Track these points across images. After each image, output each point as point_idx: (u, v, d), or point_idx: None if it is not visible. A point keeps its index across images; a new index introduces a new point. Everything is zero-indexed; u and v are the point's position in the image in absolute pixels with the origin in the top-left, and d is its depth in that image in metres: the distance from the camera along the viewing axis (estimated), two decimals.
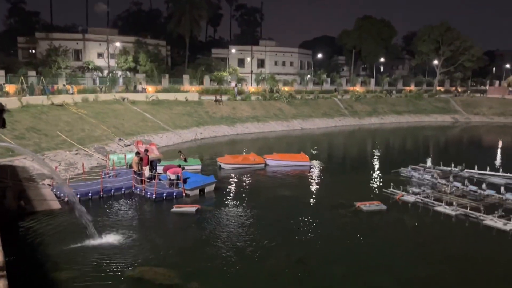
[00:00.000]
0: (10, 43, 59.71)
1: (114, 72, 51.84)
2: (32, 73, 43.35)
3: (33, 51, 55.41)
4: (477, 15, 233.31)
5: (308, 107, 52.22)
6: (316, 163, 27.72)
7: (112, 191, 19.32)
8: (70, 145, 26.63)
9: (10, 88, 36.49)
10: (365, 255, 13.41)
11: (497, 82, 79.62)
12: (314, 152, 32.39)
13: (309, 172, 25.40)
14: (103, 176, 20.40)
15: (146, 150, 21.82)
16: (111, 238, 14.15)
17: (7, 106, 22.02)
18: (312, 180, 23.54)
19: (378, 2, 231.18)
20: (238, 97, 50.01)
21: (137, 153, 21.82)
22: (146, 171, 20.49)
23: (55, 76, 44.26)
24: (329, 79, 69.42)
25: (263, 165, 26.16)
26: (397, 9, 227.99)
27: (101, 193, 18.93)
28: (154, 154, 23.07)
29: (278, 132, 43.46)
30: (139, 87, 47.02)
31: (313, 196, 20.43)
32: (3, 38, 63.18)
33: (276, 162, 26.46)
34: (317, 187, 22.21)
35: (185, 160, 24.52)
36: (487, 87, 75.16)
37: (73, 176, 21.63)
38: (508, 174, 23.54)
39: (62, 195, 18.04)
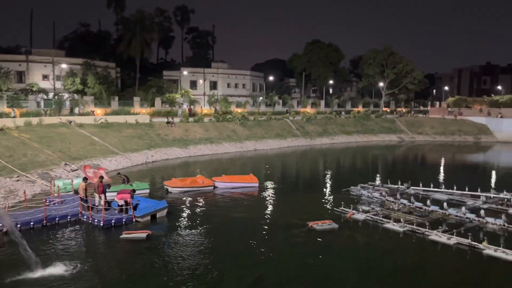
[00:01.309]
0: None
1: (60, 94, 49.97)
2: None
3: None
4: (418, 40, 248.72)
5: (261, 128, 52.75)
6: (269, 184, 27.86)
7: (57, 219, 18.32)
8: (10, 171, 25.15)
9: None
10: (319, 273, 13.54)
11: (437, 103, 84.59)
12: (267, 172, 32.57)
13: (260, 193, 25.41)
14: (47, 204, 19.36)
15: (101, 177, 20.91)
16: (55, 270, 13.34)
17: None
18: (264, 201, 23.57)
19: (326, 27, 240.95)
20: (191, 119, 49.68)
21: (85, 179, 20.96)
22: (101, 200, 19.47)
23: None
24: (281, 101, 70.76)
25: (212, 187, 25.93)
26: (345, 33, 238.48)
27: (45, 221, 17.90)
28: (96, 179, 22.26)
29: (232, 154, 43.42)
30: (76, 110, 44.68)
31: (266, 217, 20.42)
32: None
33: (225, 184, 26.30)
34: (270, 207, 22.26)
35: (125, 181, 23.83)
36: (429, 108, 79.54)
37: (14, 204, 20.35)
38: (450, 190, 24.78)
39: (0, 225, 16.87)
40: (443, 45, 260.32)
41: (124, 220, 18.50)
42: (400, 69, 73.19)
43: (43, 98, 49.14)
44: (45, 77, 54.38)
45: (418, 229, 17.66)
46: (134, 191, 20.15)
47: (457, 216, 19.87)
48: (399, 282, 13.23)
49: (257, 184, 26.70)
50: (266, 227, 18.66)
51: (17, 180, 24.24)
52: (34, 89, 51.75)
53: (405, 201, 22.26)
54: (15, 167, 25.77)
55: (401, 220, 18.85)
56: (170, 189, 24.92)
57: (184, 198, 23.40)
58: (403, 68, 73.19)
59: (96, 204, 19.23)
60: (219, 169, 32.34)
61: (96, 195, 19.65)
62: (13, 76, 51.86)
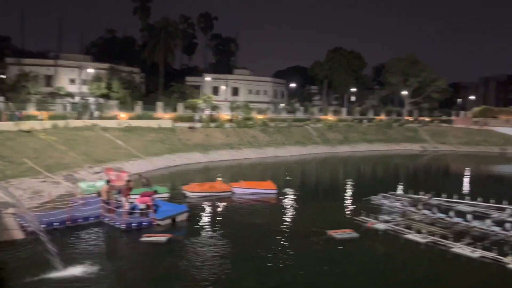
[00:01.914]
0: None
1: (86, 98, 51.15)
2: (0, 98, 42.28)
3: (3, 76, 54.21)
4: (442, 47, 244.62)
5: (282, 135, 52.71)
6: (288, 191, 27.78)
7: (80, 220, 18.71)
8: (37, 172, 25.83)
9: None
10: (338, 282, 13.42)
11: (462, 112, 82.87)
12: (287, 179, 32.49)
13: (280, 199, 25.34)
14: (70, 205, 19.79)
15: (129, 181, 21.21)
16: (76, 270, 13.61)
17: None
18: (284, 208, 23.51)
19: (348, 34, 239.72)
20: (212, 124, 50.07)
21: (108, 181, 21.35)
22: (126, 203, 19.74)
23: (24, 101, 43.30)
24: (302, 108, 70.60)
25: (230, 193, 26.00)
26: (367, 40, 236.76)
27: (68, 222, 18.30)
28: (122, 181, 22.62)
29: (252, 160, 43.52)
30: (95, 114, 44.85)
31: (286, 224, 20.37)
32: None
33: (243, 190, 26.29)
34: (289, 214, 22.18)
35: (147, 185, 24.00)
36: (453, 117, 78.06)
37: (39, 205, 20.87)
38: (474, 202, 24.18)
39: (26, 224, 17.34)
40: (468, 53, 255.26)
41: (145, 223, 18.76)
42: (424, 78, 72.06)
43: (69, 101, 50.40)
44: (72, 81, 55.83)
45: (441, 241, 17.29)
46: (156, 192, 20.51)
47: (481, 228, 19.38)
48: None
49: (275, 191, 26.66)
50: (285, 234, 18.59)
51: (43, 181, 24.87)
52: (61, 92, 53.18)
53: (427, 212, 21.85)
54: (41, 169, 26.46)
55: (423, 231, 18.50)
56: (188, 193, 25.12)
57: (203, 203, 23.55)
58: (426, 77, 72.04)
59: (125, 207, 19.44)
60: (239, 175, 32.45)
61: (123, 198, 19.95)
62: (41, 80, 53.44)
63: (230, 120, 53.50)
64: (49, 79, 55.35)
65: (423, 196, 25.62)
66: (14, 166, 25.55)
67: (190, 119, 50.96)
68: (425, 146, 60.54)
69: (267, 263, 14.79)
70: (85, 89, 54.35)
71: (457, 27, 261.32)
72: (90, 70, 53.66)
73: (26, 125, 33.42)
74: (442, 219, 20.90)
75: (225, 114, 56.87)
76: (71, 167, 29.08)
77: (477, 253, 16.03)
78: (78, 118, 41.43)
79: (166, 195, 24.15)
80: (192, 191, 25.21)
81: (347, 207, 24.00)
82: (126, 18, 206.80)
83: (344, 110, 75.19)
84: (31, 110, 40.73)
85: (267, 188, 26.77)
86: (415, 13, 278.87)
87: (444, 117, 76.25)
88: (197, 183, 26.68)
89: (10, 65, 53.34)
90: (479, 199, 24.15)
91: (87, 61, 58.73)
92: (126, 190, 19.88)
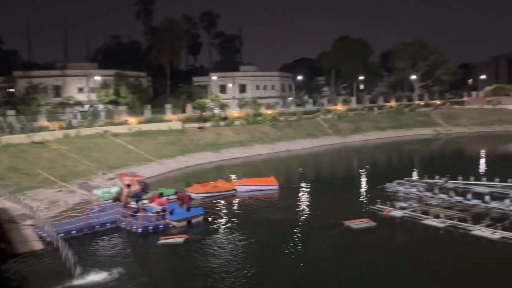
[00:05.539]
0: None
1: (95, 106, 51.55)
2: (11, 112, 42.83)
3: (12, 89, 54.89)
4: (451, 28, 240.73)
5: (292, 128, 52.47)
6: (302, 184, 27.62)
7: (97, 227, 18.87)
8: (52, 182, 26.12)
9: None
10: (359, 274, 13.35)
11: (474, 93, 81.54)
12: (300, 172, 32.34)
13: (294, 193, 25.10)
14: (87, 212, 19.97)
15: (161, 194, 21.44)
16: (96, 277, 13.72)
17: None
18: (299, 202, 23.40)
19: (353, 22, 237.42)
20: (222, 123, 50.06)
21: (128, 185, 21.57)
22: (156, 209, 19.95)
23: (35, 113, 43.78)
24: (311, 100, 70.16)
25: (234, 191, 25.86)
26: (373, 27, 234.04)
27: (86, 229, 18.47)
28: (137, 185, 22.78)
29: (264, 155, 43.40)
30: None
31: (302, 218, 20.27)
32: None
33: (245, 187, 26.14)
34: (305, 208, 22.08)
35: (144, 189, 23.87)
36: (465, 98, 76.83)
37: (56, 214, 21.11)
38: (492, 183, 23.78)
39: (44, 235, 17.55)
40: (478, 33, 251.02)
41: (161, 226, 18.84)
42: (433, 61, 71.03)
43: (79, 110, 50.82)
44: (80, 89, 56.29)
45: (460, 224, 17.04)
46: (161, 194, 20.84)
47: (500, 209, 19.05)
48: (442, 280, 12.76)
49: (277, 187, 26.37)
50: (302, 228, 18.50)
51: (59, 191, 25.13)
52: (70, 102, 53.65)
53: (444, 196, 21.56)
54: (56, 178, 26.74)
55: (441, 215, 18.24)
56: (192, 195, 24.98)
57: (209, 203, 23.32)
58: (435, 60, 71.00)
59: (154, 212, 19.70)
60: (251, 172, 32.40)
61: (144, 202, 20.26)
62: (50, 91, 53.97)
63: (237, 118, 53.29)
64: (57, 90, 55.80)
65: (439, 180, 25.30)
66: (30, 178, 25.87)
67: (199, 119, 50.92)
68: (438, 130, 59.76)
69: (287, 259, 14.75)
70: (94, 96, 54.77)
71: (463, 8, 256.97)
72: (97, 78, 54.01)
73: (38, 136, 33.81)
74: (460, 202, 20.62)
75: (234, 112, 56.82)
76: (85, 175, 29.34)
77: (497, 234, 15.76)
78: (91, 126, 41.66)
79: (174, 197, 23.88)
80: (196, 192, 25.07)
81: (362, 197, 23.80)
82: (130, 23, 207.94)
83: (353, 99, 74.47)
84: (42, 121, 41.14)
85: (269, 184, 26.54)
86: None
87: (456, 99, 75.13)
88: (200, 184, 26.62)
89: (19, 78, 53.94)
90: (496, 179, 23.75)
91: (94, 68, 59.13)
92: (156, 199, 20.19)
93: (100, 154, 34.27)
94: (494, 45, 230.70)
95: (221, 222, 19.82)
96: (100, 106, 52.11)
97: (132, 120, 46.84)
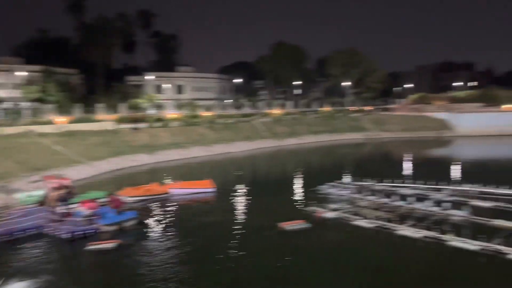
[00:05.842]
0: None
1: (17, 103, 48.06)
2: None
3: None
4: (384, 38, 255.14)
5: (230, 131, 52.51)
6: (238, 187, 27.67)
7: (18, 233, 17.54)
8: None
9: None
10: (293, 274, 13.54)
11: (400, 100, 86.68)
12: (236, 175, 32.39)
13: (229, 196, 25.06)
14: (9, 217, 18.51)
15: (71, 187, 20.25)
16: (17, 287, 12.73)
17: None
18: (234, 204, 23.38)
19: (291, 27, 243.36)
20: (157, 124, 48.83)
21: (55, 189, 20.27)
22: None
23: None
24: (248, 103, 70.69)
25: (167, 194, 25.36)
26: (311, 34, 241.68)
27: (6, 236, 17.09)
28: (63, 189, 21.48)
29: (201, 158, 42.98)
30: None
31: (237, 220, 20.27)
32: None
33: (181, 190, 25.76)
34: (240, 210, 22.11)
35: (71, 193, 22.72)
36: (393, 105, 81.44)
37: None
38: (415, 185, 25.37)
39: None
40: (406, 43, 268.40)
41: (91, 230, 17.90)
42: (364, 69, 74.74)
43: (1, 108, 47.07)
44: (0, 85, 52.21)
45: (386, 225, 17.97)
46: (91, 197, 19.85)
47: (423, 209, 20.36)
48: (368, 277, 13.37)
49: (213, 190, 26.22)
50: (237, 230, 18.49)
51: None
52: None
53: (372, 198, 22.63)
54: None
55: (370, 216, 19.13)
56: (124, 198, 24.06)
57: (142, 207, 22.53)
58: (366, 68, 74.77)
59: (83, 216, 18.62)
60: (188, 174, 31.92)
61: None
62: None
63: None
64: None
65: (367, 183, 26.53)
66: None
67: (134, 119, 49.29)
68: (368, 135, 62.79)
69: (221, 261, 14.65)
70: (17, 93, 51.02)
71: (395, 19, 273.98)
72: (21, 73, 50.38)
73: None
74: (386, 203, 21.75)
75: (171, 113, 55.69)
76: (6, 177, 27.21)
77: (420, 233, 16.81)
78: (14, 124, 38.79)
79: (104, 200, 22.82)
80: (128, 195, 24.13)
81: (297, 199, 24.31)
82: (58, 17, 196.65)
83: (290, 103, 76.20)
84: None
85: (205, 187, 26.26)
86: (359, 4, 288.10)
87: (385, 106, 79.44)
88: (132, 187, 25.78)
89: None
90: (419, 181, 25.37)
91: (19, 63, 55.14)
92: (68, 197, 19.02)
93: (24, 155, 32.00)
94: (422, 55, 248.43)
95: (155, 226, 19.29)
96: (25, 104, 48.60)
97: (60, 119, 44.26)
